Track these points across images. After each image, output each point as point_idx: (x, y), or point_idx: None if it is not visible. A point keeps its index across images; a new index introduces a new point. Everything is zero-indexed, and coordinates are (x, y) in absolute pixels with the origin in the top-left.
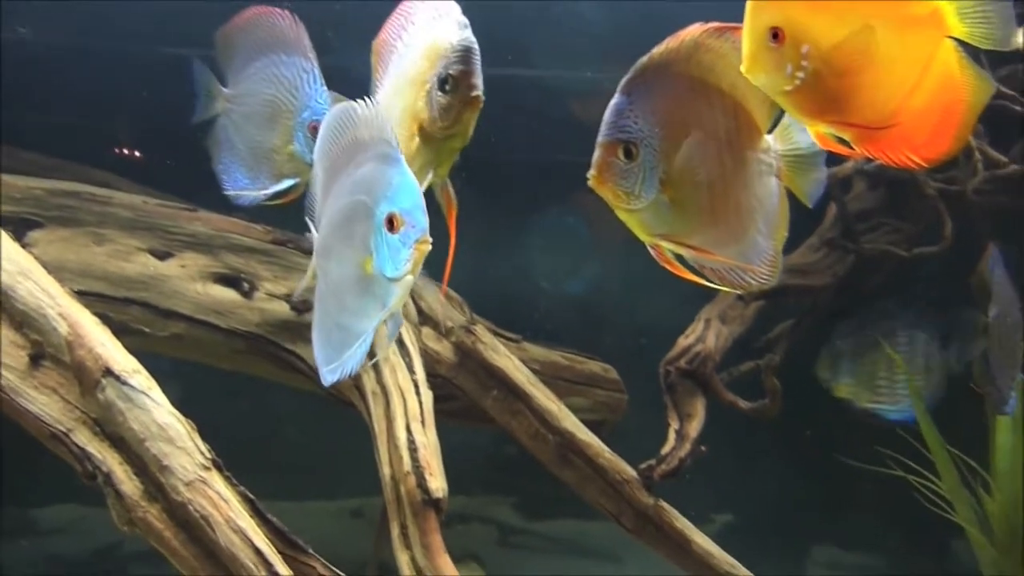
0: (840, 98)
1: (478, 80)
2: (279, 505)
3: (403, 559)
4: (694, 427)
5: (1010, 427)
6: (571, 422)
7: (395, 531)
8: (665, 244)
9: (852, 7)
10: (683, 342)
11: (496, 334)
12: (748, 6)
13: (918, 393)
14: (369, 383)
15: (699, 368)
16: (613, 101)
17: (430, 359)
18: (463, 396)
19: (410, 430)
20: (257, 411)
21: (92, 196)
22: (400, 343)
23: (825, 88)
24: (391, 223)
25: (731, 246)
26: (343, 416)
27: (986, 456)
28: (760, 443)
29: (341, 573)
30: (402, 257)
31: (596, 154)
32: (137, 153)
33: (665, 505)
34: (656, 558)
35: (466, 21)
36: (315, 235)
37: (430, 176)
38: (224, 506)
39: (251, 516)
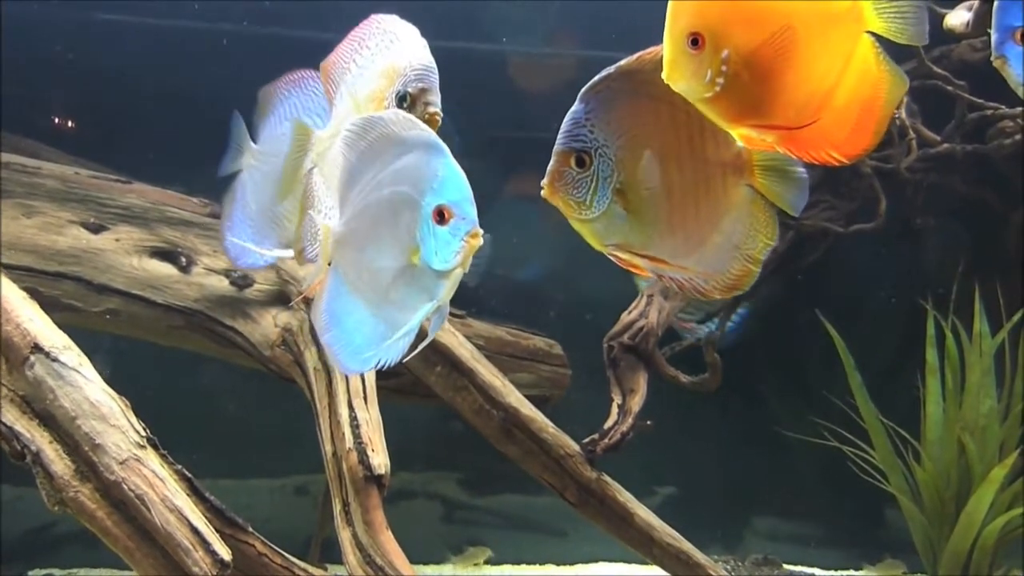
0: (761, 101)
1: (435, 98)
2: (219, 484)
3: (345, 536)
4: (636, 402)
5: (939, 398)
6: (515, 397)
7: (337, 508)
8: (619, 254)
9: (772, 8)
10: (626, 318)
11: (451, 315)
12: (668, 10)
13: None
14: (311, 359)
15: (641, 343)
16: (571, 110)
17: None
18: (407, 372)
19: (352, 406)
20: (195, 388)
21: (21, 167)
22: None
23: (746, 92)
24: (440, 215)
25: (689, 256)
26: (285, 393)
27: (918, 428)
28: (702, 417)
29: (282, 551)
30: (452, 249)
31: (551, 163)
32: (69, 123)
33: (608, 479)
34: (600, 532)
35: (424, 42)
36: (326, 225)
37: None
38: (160, 485)
39: (188, 495)
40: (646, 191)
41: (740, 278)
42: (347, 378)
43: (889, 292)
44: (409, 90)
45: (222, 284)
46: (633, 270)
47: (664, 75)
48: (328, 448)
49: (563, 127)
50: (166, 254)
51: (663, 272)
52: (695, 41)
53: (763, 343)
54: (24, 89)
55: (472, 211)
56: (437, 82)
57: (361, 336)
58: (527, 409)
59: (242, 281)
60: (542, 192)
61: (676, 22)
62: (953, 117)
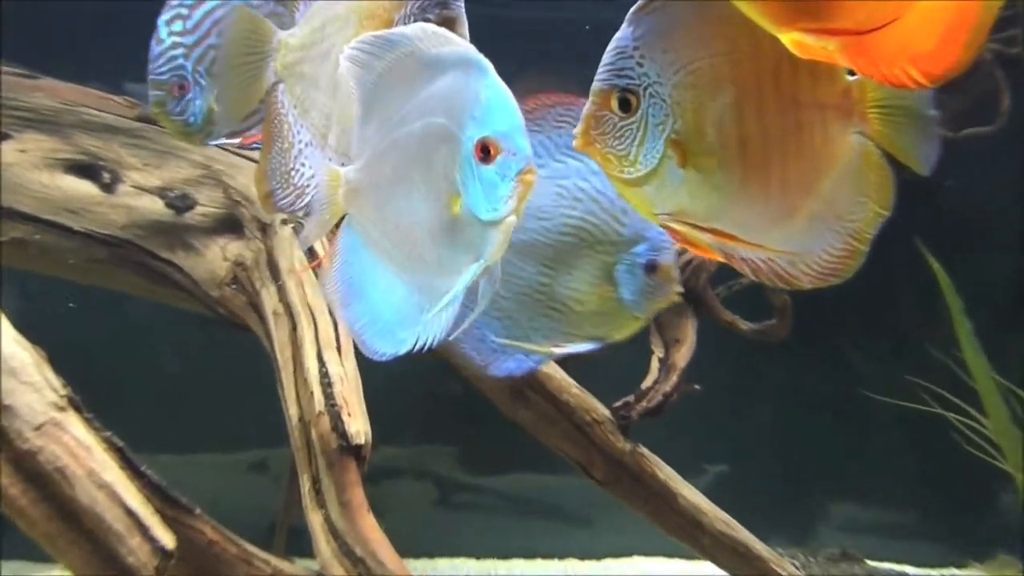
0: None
1: (463, 31)
2: (158, 458)
3: (316, 520)
4: (682, 355)
5: None
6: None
7: (306, 486)
8: (674, 226)
9: None
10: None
11: None
12: None
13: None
14: (269, 301)
15: (690, 280)
16: (616, 36)
17: None
18: None
19: (322, 359)
20: (124, 337)
21: None
22: (311, 249)
23: None
24: (484, 151)
25: (771, 230)
26: (237, 343)
27: None
28: (765, 376)
29: (237, 539)
30: (500, 194)
31: (587, 105)
32: None
33: (645, 452)
34: (634, 518)
35: None
36: (336, 171)
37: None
38: (84, 455)
39: (121, 468)
40: (713, 143)
41: (841, 261)
42: (316, 323)
43: (1011, 217)
44: (430, 17)
45: (156, 206)
46: (692, 249)
47: None
48: (293, 411)
49: (605, 58)
50: (84, 168)
51: (733, 251)
52: None
53: (844, 281)
54: None
55: (525, 144)
56: (463, 10)
57: (391, 310)
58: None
59: (181, 202)
60: (574, 142)
61: None
62: None
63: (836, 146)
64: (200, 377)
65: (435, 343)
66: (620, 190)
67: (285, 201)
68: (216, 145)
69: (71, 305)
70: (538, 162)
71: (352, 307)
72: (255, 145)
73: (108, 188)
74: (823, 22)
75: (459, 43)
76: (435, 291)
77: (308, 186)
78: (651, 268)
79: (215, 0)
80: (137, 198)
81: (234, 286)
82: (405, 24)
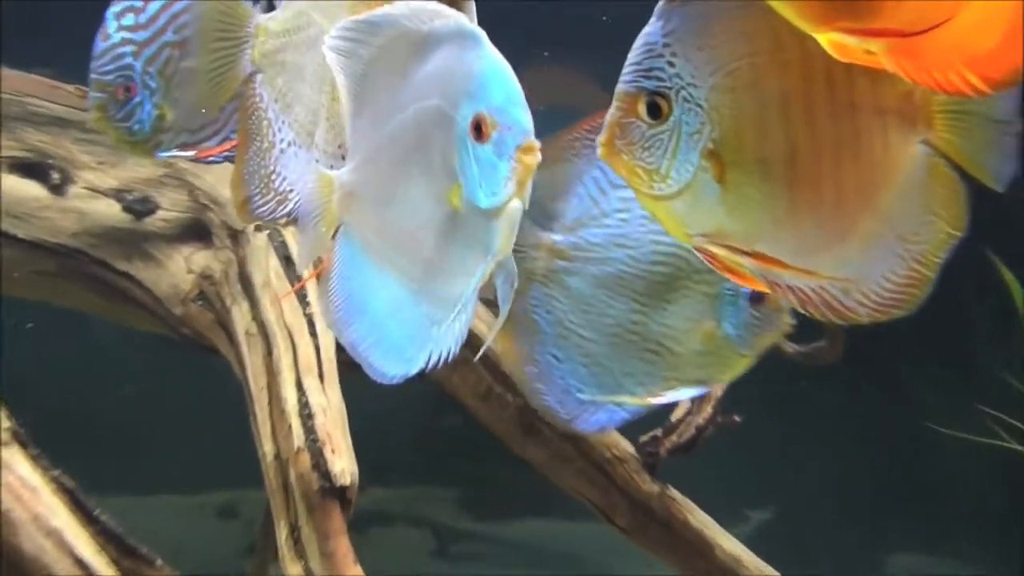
0: None
1: (470, 6)
2: (114, 500)
3: (294, 573)
4: None
5: None
6: None
7: (283, 534)
8: (711, 248)
9: None
10: None
11: None
12: None
13: None
14: (242, 320)
15: None
16: (644, 32)
17: None
18: None
19: (302, 387)
20: (77, 361)
21: None
22: (287, 258)
23: None
24: (478, 129)
25: (823, 253)
26: (203, 368)
27: None
28: (814, 406)
29: None
30: (499, 176)
31: (610, 110)
32: None
33: (675, 494)
34: (662, 570)
35: None
36: (328, 176)
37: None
38: (30, 497)
39: (71, 512)
40: (755, 153)
41: (904, 290)
42: (295, 345)
43: None
44: None
45: (112, 211)
46: (732, 275)
47: None
48: (268, 448)
49: (631, 57)
50: (31, 168)
51: (779, 278)
52: None
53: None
54: None
55: (523, 116)
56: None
57: (398, 325)
58: None
59: (141, 206)
60: (598, 152)
61: None
62: None
63: (898, 157)
64: (162, 407)
65: (449, 358)
66: (649, 207)
67: (264, 208)
68: (166, 158)
69: (29, 326)
70: (619, 184)
71: (354, 326)
72: (211, 159)
73: (57, 190)
74: (865, 21)
75: (450, 15)
76: (445, 299)
77: (291, 191)
78: (757, 298)
79: None
80: (90, 201)
81: (200, 302)
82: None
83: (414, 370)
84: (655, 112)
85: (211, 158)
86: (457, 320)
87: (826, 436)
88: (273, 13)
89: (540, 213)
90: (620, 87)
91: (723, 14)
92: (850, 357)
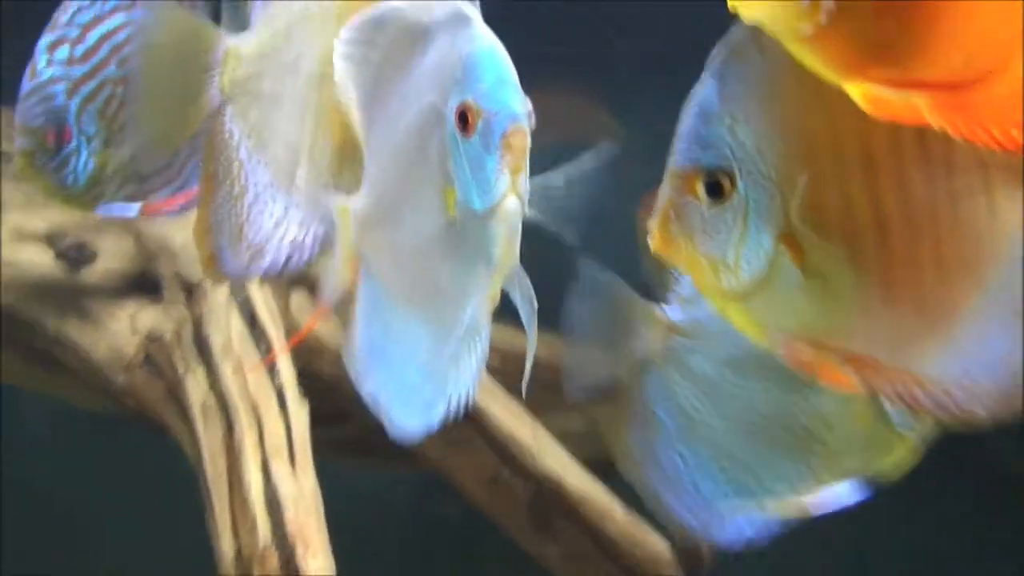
0: (904, 35)
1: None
2: None
3: None
4: None
5: None
6: (556, 458)
7: None
8: (798, 350)
9: None
10: None
11: None
12: None
13: None
14: (197, 390)
15: None
16: (695, 92)
17: (307, 347)
18: (363, 413)
19: (269, 472)
20: None
21: None
22: (252, 318)
23: (878, 21)
24: (464, 120)
25: (927, 343)
26: (149, 448)
27: None
28: (932, 476)
29: None
30: (489, 171)
31: (662, 190)
32: None
33: None
34: None
35: None
36: (345, 207)
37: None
38: None
39: None
40: (841, 231)
41: None
42: (260, 422)
43: None
44: None
45: (42, 259)
46: (824, 378)
47: None
48: (226, 545)
49: (682, 125)
50: None
51: (879, 384)
52: None
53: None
54: None
55: (511, 98)
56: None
57: (417, 369)
58: (578, 479)
59: (76, 254)
60: (650, 241)
61: None
62: None
63: (1007, 218)
64: (96, 496)
65: (468, 398)
66: (718, 306)
67: (236, 264)
68: (108, 213)
69: None
70: None
71: (374, 376)
72: (170, 211)
73: None
74: (906, 70)
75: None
76: (457, 328)
77: (267, 243)
78: None
79: (120, 16)
80: (16, 248)
81: (147, 368)
82: None
83: (436, 421)
84: (716, 191)
85: (160, 212)
86: (470, 353)
87: (918, 515)
88: (245, 34)
89: (650, 284)
90: (672, 163)
91: (789, 68)
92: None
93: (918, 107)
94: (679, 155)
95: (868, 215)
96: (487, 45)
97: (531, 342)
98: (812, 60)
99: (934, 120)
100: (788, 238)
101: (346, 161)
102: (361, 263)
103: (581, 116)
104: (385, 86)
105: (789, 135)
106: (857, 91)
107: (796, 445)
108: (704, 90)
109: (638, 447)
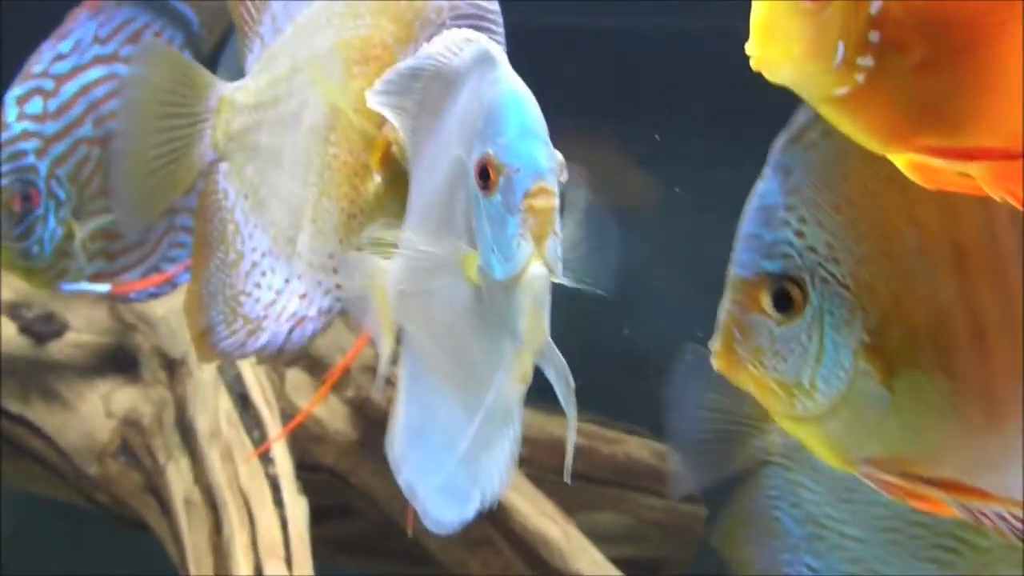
0: (952, 99)
1: None
2: None
3: None
4: None
5: None
6: (588, 559)
7: None
8: (888, 479)
9: None
10: None
11: None
12: None
13: None
14: (180, 482)
15: None
16: (756, 189)
17: (305, 434)
18: (370, 508)
19: (262, 575)
20: None
21: None
22: (243, 398)
23: (922, 82)
24: (485, 175)
25: None
26: (123, 548)
27: None
28: None
29: None
30: (509, 234)
31: (724, 304)
32: None
33: None
34: None
35: None
36: (381, 266)
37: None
38: None
39: None
40: (931, 340)
41: None
42: (252, 520)
43: None
44: None
45: (5, 332)
46: (918, 504)
47: (751, 47)
48: None
49: (743, 227)
50: None
51: (982, 512)
52: None
53: None
54: None
55: (536, 151)
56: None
57: (452, 453)
58: None
59: (44, 326)
60: (713, 361)
61: None
62: None
63: None
64: None
65: (498, 494)
66: (792, 431)
67: (231, 341)
68: (72, 292)
69: None
70: None
71: (411, 462)
72: (132, 297)
73: None
74: (957, 137)
75: (476, 40)
76: (488, 410)
77: (265, 317)
78: None
79: (99, 69)
80: None
81: (123, 458)
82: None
83: (470, 514)
84: (785, 303)
85: (131, 294)
86: (502, 440)
87: None
88: (241, 82)
89: None
90: (733, 273)
91: (862, 154)
92: None
93: (970, 175)
94: (740, 262)
95: (964, 319)
96: (510, 90)
97: (571, 427)
98: (848, 125)
99: (992, 192)
100: (870, 352)
101: (355, 224)
102: (401, 336)
103: (612, 169)
104: (421, 136)
105: (867, 233)
106: (903, 160)
107: (943, 554)
108: (765, 185)
109: (757, 557)
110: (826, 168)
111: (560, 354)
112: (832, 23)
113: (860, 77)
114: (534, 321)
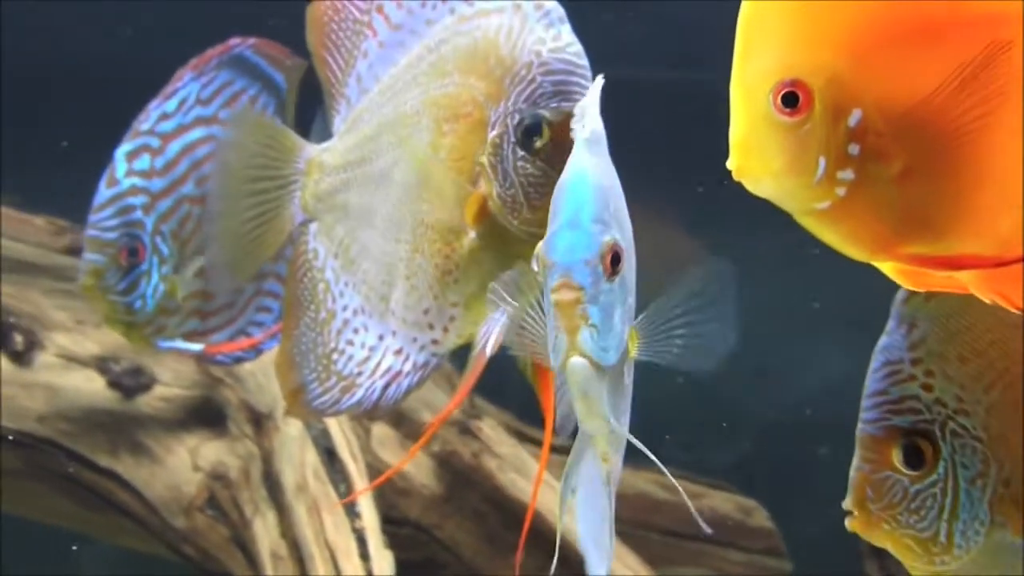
0: (936, 205)
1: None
2: None
3: None
4: None
5: None
6: None
7: None
8: None
9: (960, 11)
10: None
11: (521, 436)
12: (738, 29)
13: None
14: (266, 536)
15: None
16: (881, 343)
17: (391, 488)
18: (455, 561)
19: None
20: None
21: None
22: (329, 453)
23: (909, 189)
24: (538, 267)
25: None
26: None
27: None
28: None
29: None
30: (550, 327)
31: (854, 463)
32: None
33: None
34: None
35: (560, 10)
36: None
37: (503, 321)
38: None
39: None
40: None
41: None
42: (338, 571)
43: None
44: (546, 113)
45: (93, 386)
46: None
47: (732, 163)
48: None
49: (869, 384)
50: None
51: None
52: (791, 98)
53: None
54: None
55: (569, 243)
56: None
57: (602, 518)
58: None
59: (132, 380)
60: (848, 522)
61: (753, 57)
62: None
63: None
64: None
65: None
66: None
67: (325, 399)
68: (168, 349)
69: None
70: None
71: (583, 519)
72: (220, 359)
73: (21, 358)
74: (942, 243)
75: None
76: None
77: (359, 374)
78: None
79: (200, 130)
80: (64, 374)
81: (210, 512)
82: (514, 122)
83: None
84: (916, 459)
85: (218, 356)
86: (605, 517)
87: None
88: (329, 143)
89: None
90: (862, 430)
91: (985, 305)
92: None
93: (960, 281)
94: (868, 420)
95: None
96: (574, 175)
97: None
98: (831, 237)
99: (982, 294)
100: (1008, 505)
101: (449, 281)
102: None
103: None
104: None
105: (995, 382)
106: (888, 267)
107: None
108: (889, 339)
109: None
110: (949, 318)
111: (624, 433)
112: (811, 137)
113: (841, 191)
114: (585, 409)
